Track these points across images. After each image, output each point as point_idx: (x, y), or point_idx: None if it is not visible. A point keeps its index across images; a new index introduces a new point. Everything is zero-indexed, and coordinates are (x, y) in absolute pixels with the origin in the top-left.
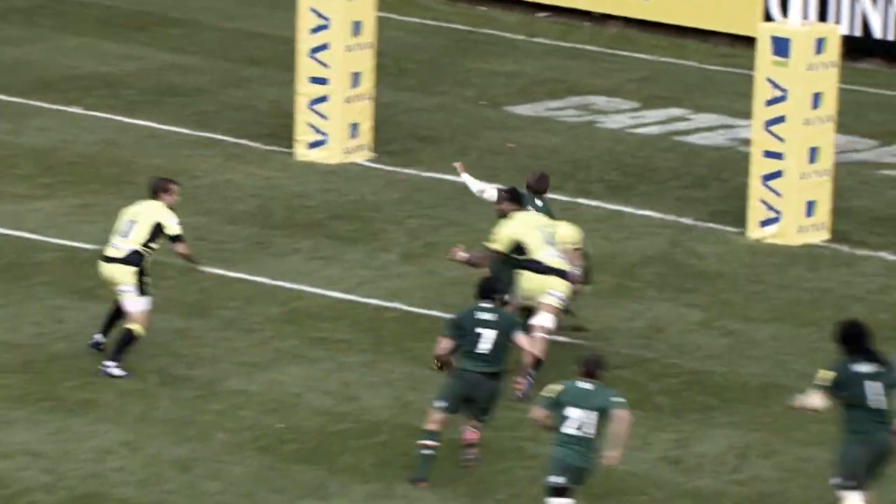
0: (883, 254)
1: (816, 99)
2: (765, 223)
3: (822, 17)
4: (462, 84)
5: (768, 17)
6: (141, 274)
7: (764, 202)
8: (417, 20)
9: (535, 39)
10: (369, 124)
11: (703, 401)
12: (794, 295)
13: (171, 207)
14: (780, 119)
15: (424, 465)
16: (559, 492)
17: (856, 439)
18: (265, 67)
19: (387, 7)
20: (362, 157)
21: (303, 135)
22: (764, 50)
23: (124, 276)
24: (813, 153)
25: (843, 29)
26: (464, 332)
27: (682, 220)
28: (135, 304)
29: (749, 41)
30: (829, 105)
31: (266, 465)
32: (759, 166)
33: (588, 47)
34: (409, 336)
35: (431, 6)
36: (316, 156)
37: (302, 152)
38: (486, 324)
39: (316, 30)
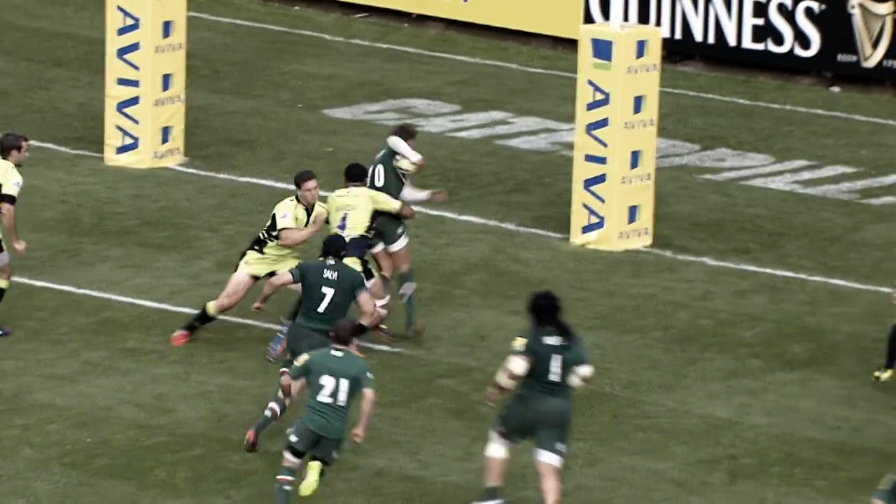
0: (705, 259)
1: (638, 102)
2: (587, 228)
3: (643, 19)
4: (278, 87)
5: (589, 20)
6: None
7: (587, 207)
8: (230, 20)
9: (353, 41)
10: (181, 128)
11: None
12: (618, 301)
13: (18, 165)
14: (603, 123)
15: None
16: (295, 452)
17: (519, 400)
18: (71, 69)
19: (197, 7)
20: (174, 162)
21: (112, 139)
22: (585, 53)
23: None
24: (635, 157)
25: (664, 31)
26: (310, 288)
27: (505, 226)
28: None
29: (571, 44)
30: (651, 108)
31: (75, 481)
32: (581, 171)
33: (407, 49)
34: (222, 346)
35: (244, 6)
36: (126, 160)
37: (111, 157)
38: (329, 282)
39: (124, 30)
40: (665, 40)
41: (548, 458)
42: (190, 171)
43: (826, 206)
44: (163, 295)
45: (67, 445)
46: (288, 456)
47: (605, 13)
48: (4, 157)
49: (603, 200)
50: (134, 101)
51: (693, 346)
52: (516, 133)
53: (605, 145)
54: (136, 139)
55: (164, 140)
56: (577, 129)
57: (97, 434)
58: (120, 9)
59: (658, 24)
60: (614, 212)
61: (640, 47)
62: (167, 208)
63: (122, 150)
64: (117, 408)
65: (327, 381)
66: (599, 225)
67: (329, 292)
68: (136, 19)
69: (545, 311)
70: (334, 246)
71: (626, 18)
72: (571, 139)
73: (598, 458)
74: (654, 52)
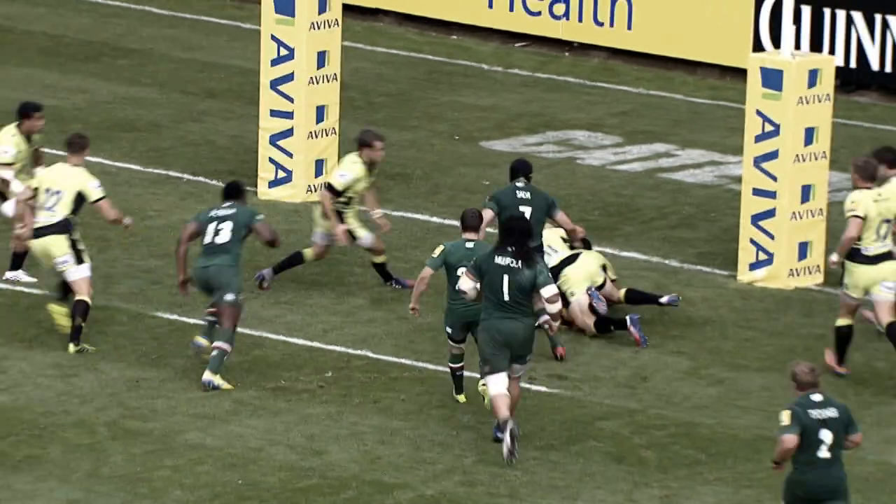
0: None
1: (810, 134)
2: (755, 265)
3: (816, 47)
4: (434, 118)
5: (759, 48)
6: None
7: (754, 243)
8: (385, 50)
9: (512, 71)
10: (335, 161)
11: (690, 455)
12: (787, 342)
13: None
14: (772, 155)
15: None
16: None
17: (483, 327)
18: (224, 100)
19: (353, 36)
20: None
21: (265, 172)
22: (754, 82)
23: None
24: (806, 192)
25: (838, 60)
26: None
27: (669, 263)
28: (76, 272)
29: (739, 73)
30: (824, 141)
31: None
32: (749, 205)
33: (568, 79)
34: (376, 386)
35: (401, 35)
36: (279, 194)
37: (264, 190)
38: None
39: (278, 60)
40: (839, 69)
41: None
42: None
43: None
44: (315, 333)
45: (218, 487)
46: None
47: (776, 41)
48: (73, 160)
49: (772, 236)
50: (288, 133)
51: (868, 389)
52: (681, 166)
53: (774, 179)
54: (289, 172)
55: (318, 173)
56: (744, 161)
57: (248, 476)
58: (274, 38)
59: (832, 52)
60: (784, 248)
61: (813, 76)
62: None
63: (275, 183)
64: (268, 449)
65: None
66: (768, 262)
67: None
68: (291, 49)
69: (509, 233)
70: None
71: (797, 46)
72: (739, 172)
73: None
74: (828, 82)
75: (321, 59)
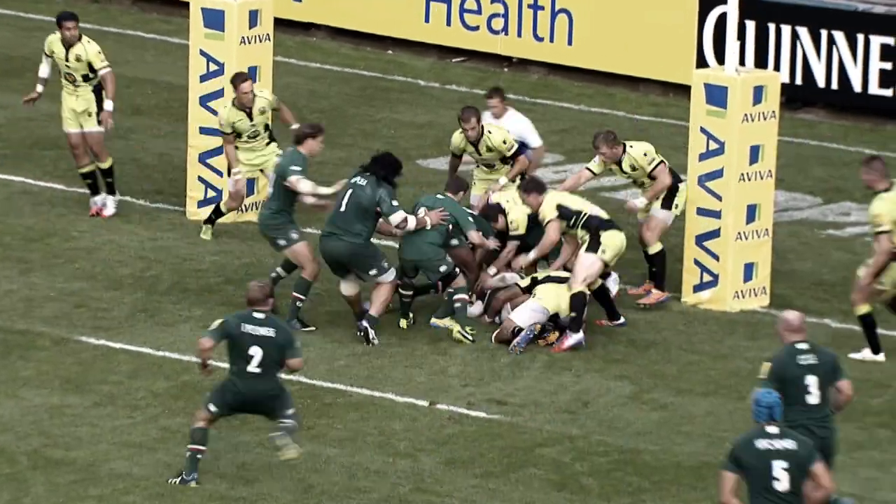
0: (828, 321)
1: (755, 152)
2: (699, 287)
3: (761, 63)
4: (369, 135)
5: (703, 64)
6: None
7: (699, 264)
8: (319, 65)
9: (450, 87)
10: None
11: (633, 482)
12: (732, 365)
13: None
14: (717, 174)
15: None
16: None
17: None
18: (151, 117)
19: (285, 51)
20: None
21: (194, 191)
22: (698, 99)
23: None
24: (752, 211)
25: (784, 76)
26: None
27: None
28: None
29: (683, 89)
30: (769, 159)
31: None
32: (693, 225)
33: (507, 95)
34: (310, 412)
35: (334, 51)
36: (208, 214)
37: (193, 210)
38: None
39: (207, 76)
40: (784, 86)
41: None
42: None
43: None
44: None
45: None
46: None
47: (720, 57)
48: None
49: (717, 257)
50: (218, 151)
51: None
52: (624, 185)
53: (719, 198)
54: (219, 191)
55: (250, 192)
56: (688, 180)
57: None
58: (203, 53)
59: (777, 68)
60: (729, 269)
61: (758, 93)
62: (252, 265)
63: (205, 203)
64: (198, 478)
65: None
66: (713, 283)
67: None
68: (221, 65)
69: (373, 159)
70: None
71: (742, 63)
72: (490, 132)
73: None
74: (773, 99)
75: (252, 74)
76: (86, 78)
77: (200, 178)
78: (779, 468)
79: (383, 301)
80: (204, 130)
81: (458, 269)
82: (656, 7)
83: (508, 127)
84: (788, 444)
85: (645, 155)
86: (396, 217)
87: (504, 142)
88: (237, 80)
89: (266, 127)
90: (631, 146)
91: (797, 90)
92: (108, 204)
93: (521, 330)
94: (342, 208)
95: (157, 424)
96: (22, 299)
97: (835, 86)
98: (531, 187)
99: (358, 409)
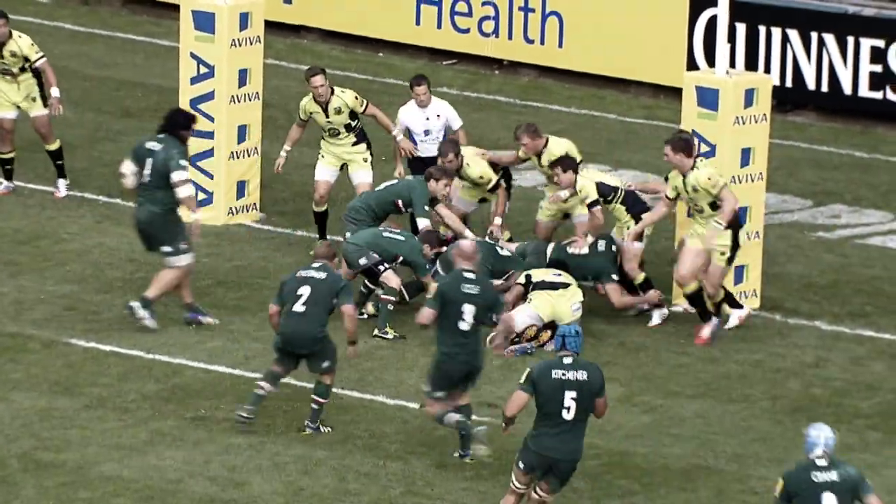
0: (818, 323)
1: (746, 155)
2: None
3: (752, 66)
4: None
5: (694, 66)
6: None
7: None
8: None
9: (440, 89)
10: (257, 182)
11: (623, 485)
12: (722, 368)
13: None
14: None
15: None
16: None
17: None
18: (141, 120)
19: (275, 54)
20: (250, 219)
21: None
22: (689, 102)
23: None
24: (742, 213)
25: (775, 79)
26: None
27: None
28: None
29: (674, 92)
30: (760, 162)
31: None
32: (686, 227)
33: (497, 98)
34: (300, 415)
35: (325, 53)
36: (200, 216)
37: (183, 213)
38: None
39: (198, 78)
40: (775, 88)
41: None
42: (266, 227)
43: None
44: (237, 360)
45: None
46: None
47: (711, 60)
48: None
49: None
50: (208, 153)
51: (805, 417)
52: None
53: None
54: (209, 194)
55: (240, 195)
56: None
57: None
58: (193, 56)
59: (767, 71)
60: None
61: (749, 96)
62: (242, 268)
63: (196, 206)
64: (187, 480)
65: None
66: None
67: None
68: (211, 67)
69: (167, 118)
70: None
71: (733, 65)
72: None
73: None
74: (764, 102)
75: (242, 77)
76: (23, 69)
77: (191, 182)
78: None
79: (162, 285)
80: (195, 133)
81: (385, 267)
82: (647, 10)
83: (438, 112)
84: None
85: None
86: (177, 176)
87: (481, 177)
88: (307, 73)
89: (349, 127)
90: (626, 188)
91: (787, 93)
92: (59, 186)
93: (518, 337)
94: (146, 175)
95: (147, 427)
96: (12, 302)
97: (825, 88)
98: (569, 165)
99: (348, 412)
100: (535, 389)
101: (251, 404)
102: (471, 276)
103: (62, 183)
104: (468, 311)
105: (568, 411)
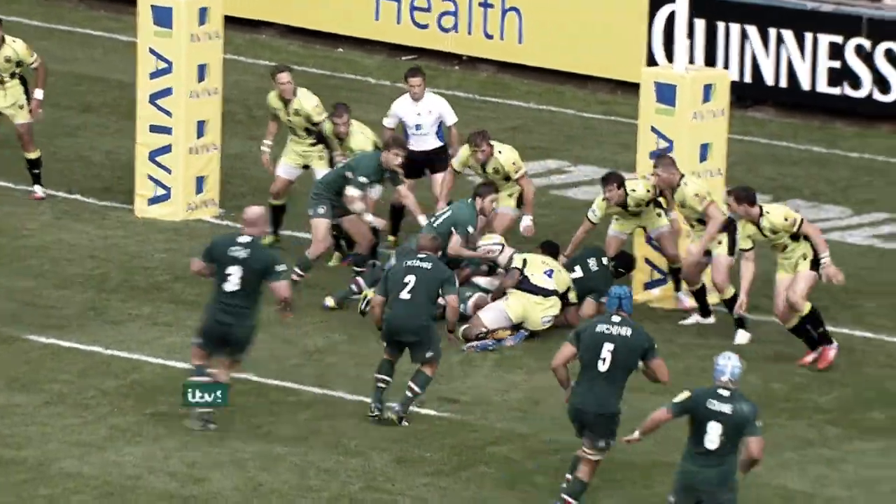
0: (776, 318)
1: (704, 150)
2: (650, 285)
3: (710, 61)
4: None
5: (652, 62)
6: None
7: (649, 262)
8: (268, 63)
9: (400, 85)
10: (217, 177)
11: None
12: (683, 364)
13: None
14: None
15: None
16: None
17: None
18: (100, 115)
19: (234, 49)
20: (209, 214)
21: (143, 189)
22: (647, 97)
23: None
24: None
25: (733, 75)
26: None
27: None
28: None
29: (632, 88)
30: (719, 157)
31: None
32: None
33: (457, 93)
34: (259, 411)
35: (284, 48)
36: (157, 212)
37: (142, 208)
38: None
39: (157, 74)
40: (734, 84)
41: None
42: (226, 223)
43: None
44: None
45: None
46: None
47: (669, 55)
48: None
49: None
50: (166, 149)
51: (764, 411)
52: (574, 183)
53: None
54: (168, 189)
55: (199, 190)
56: (638, 178)
57: None
58: (152, 51)
59: (726, 66)
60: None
61: (707, 91)
62: None
63: (154, 201)
64: (147, 476)
65: None
66: (663, 281)
67: None
68: (169, 63)
69: None
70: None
71: (691, 61)
72: (633, 189)
73: None
74: (722, 97)
75: (201, 72)
76: (13, 75)
77: (150, 177)
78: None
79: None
80: (153, 128)
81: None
82: (606, 5)
83: (431, 108)
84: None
85: (514, 164)
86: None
87: (514, 163)
88: (272, 70)
89: (308, 131)
90: (632, 190)
91: (746, 88)
92: (37, 191)
93: (485, 335)
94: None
95: (106, 423)
96: None
97: (784, 84)
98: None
99: (309, 408)
100: (577, 341)
101: (376, 401)
102: (245, 239)
103: (39, 188)
104: (234, 272)
105: (603, 362)
